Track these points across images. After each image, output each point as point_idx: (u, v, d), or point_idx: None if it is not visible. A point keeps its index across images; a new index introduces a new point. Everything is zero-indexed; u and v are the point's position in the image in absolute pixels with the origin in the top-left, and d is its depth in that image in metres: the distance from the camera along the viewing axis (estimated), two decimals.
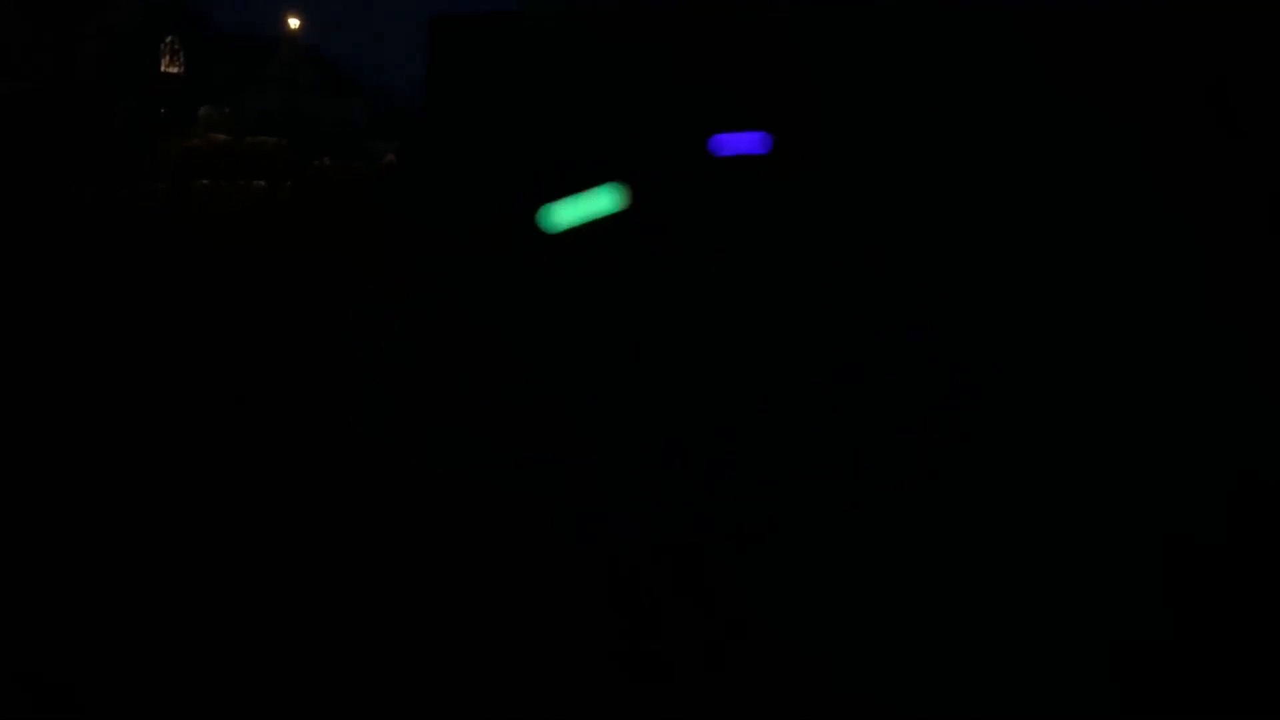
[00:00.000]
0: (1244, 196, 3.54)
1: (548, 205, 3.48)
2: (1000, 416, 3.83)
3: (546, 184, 4.31)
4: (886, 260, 3.87)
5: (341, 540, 3.67)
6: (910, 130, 3.88)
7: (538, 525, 3.76)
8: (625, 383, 4.16)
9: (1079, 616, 3.22)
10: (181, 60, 23.35)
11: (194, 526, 3.80)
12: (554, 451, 4.09)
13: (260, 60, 24.00)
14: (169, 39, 23.42)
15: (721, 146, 3.17)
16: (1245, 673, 2.98)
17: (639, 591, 3.41)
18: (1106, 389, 3.73)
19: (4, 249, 9.26)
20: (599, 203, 3.36)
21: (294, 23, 25.94)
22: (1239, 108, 3.55)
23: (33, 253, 8.97)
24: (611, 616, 3.26)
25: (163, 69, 22.93)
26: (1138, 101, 3.66)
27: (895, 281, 3.90)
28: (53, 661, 2.98)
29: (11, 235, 9.82)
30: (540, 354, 4.27)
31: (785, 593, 3.40)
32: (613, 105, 4.23)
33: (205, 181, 13.79)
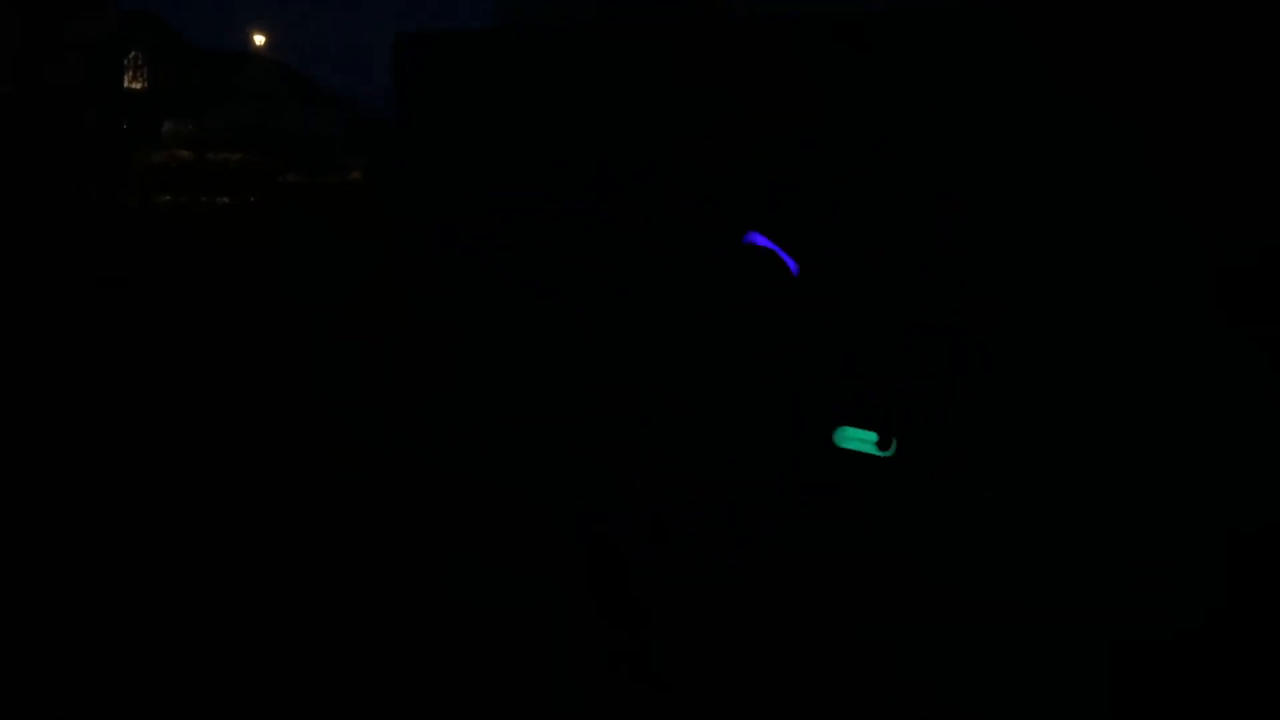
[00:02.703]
0: (1244, 196, 3.59)
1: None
2: (999, 416, 3.84)
3: (516, 197, 4.29)
4: (885, 261, 3.87)
5: (319, 544, 3.61)
6: (908, 131, 3.89)
7: (533, 525, 3.71)
8: (614, 384, 4.12)
9: (1080, 616, 3.22)
10: (146, 75, 23.10)
11: (167, 529, 3.72)
12: (541, 453, 4.04)
13: (231, 73, 23.85)
14: (133, 54, 23.15)
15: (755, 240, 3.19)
16: (1245, 673, 2.99)
17: (637, 592, 3.37)
18: (1106, 389, 3.75)
19: None
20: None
21: (262, 38, 25.85)
22: (1239, 108, 3.59)
23: None
24: (609, 617, 3.22)
25: (126, 84, 22.65)
26: (1138, 101, 3.70)
27: (895, 282, 3.89)
28: (41, 662, 2.91)
29: None
30: (520, 362, 4.23)
31: (785, 592, 3.38)
32: (582, 120, 4.21)
33: (168, 197, 13.64)
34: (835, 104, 3.97)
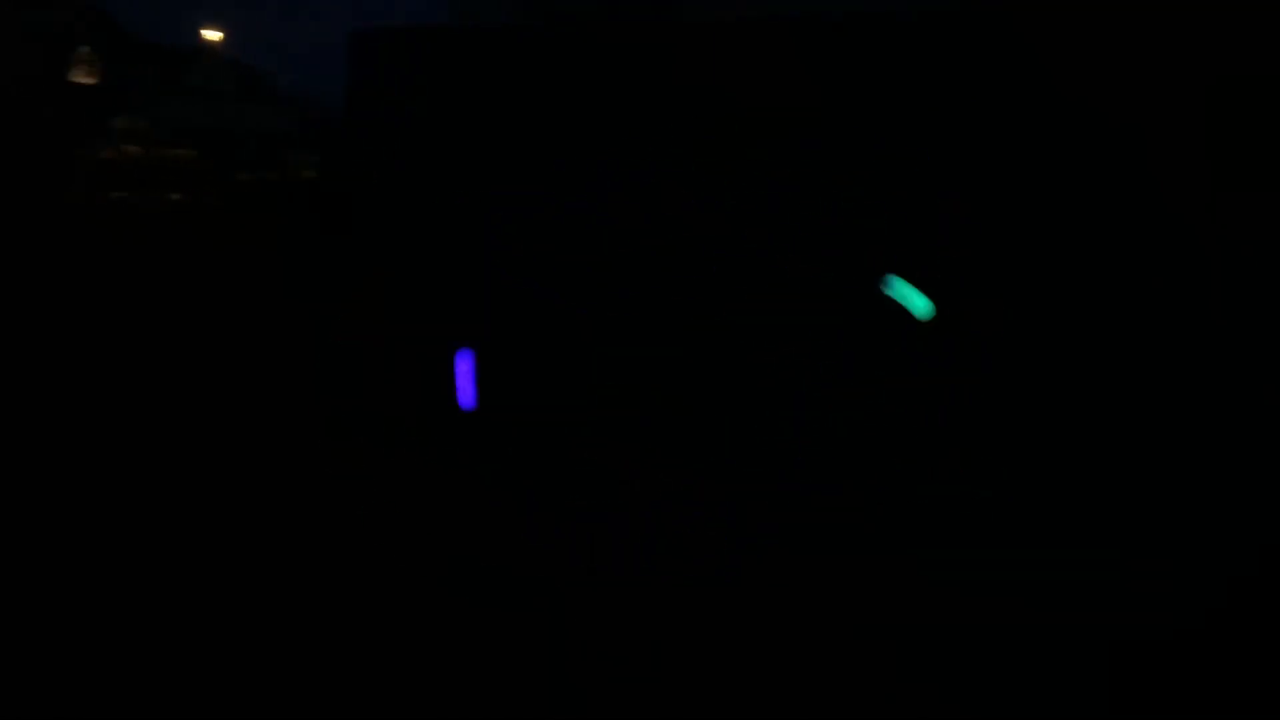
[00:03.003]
0: (1244, 196, 3.59)
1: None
2: (999, 416, 3.83)
3: (466, 197, 4.28)
4: (885, 261, 3.86)
5: (319, 544, 3.60)
6: (908, 131, 3.89)
7: (533, 525, 3.71)
8: (614, 384, 4.12)
9: (1081, 616, 3.23)
10: (94, 70, 22.89)
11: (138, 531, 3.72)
12: (541, 452, 4.04)
13: (182, 69, 23.72)
14: (82, 49, 22.93)
15: None
16: (1245, 673, 2.99)
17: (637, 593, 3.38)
18: (1106, 389, 3.75)
19: None
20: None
21: (214, 34, 25.66)
22: (1239, 108, 3.59)
23: None
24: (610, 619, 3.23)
25: (76, 79, 22.46)
26: (1138, 101, 3.70)
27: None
28: (41, 662, 2.91)
29: None
30: (520, 362, 4.22)
31: (785, 592, 3.38)
32: (535, 120, 4.20)
33: (119, 194, 13.48)
34: (835, 104, 3.97)
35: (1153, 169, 3.68)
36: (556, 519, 3.76)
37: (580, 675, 2.96)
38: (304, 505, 3.81)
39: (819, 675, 2.97)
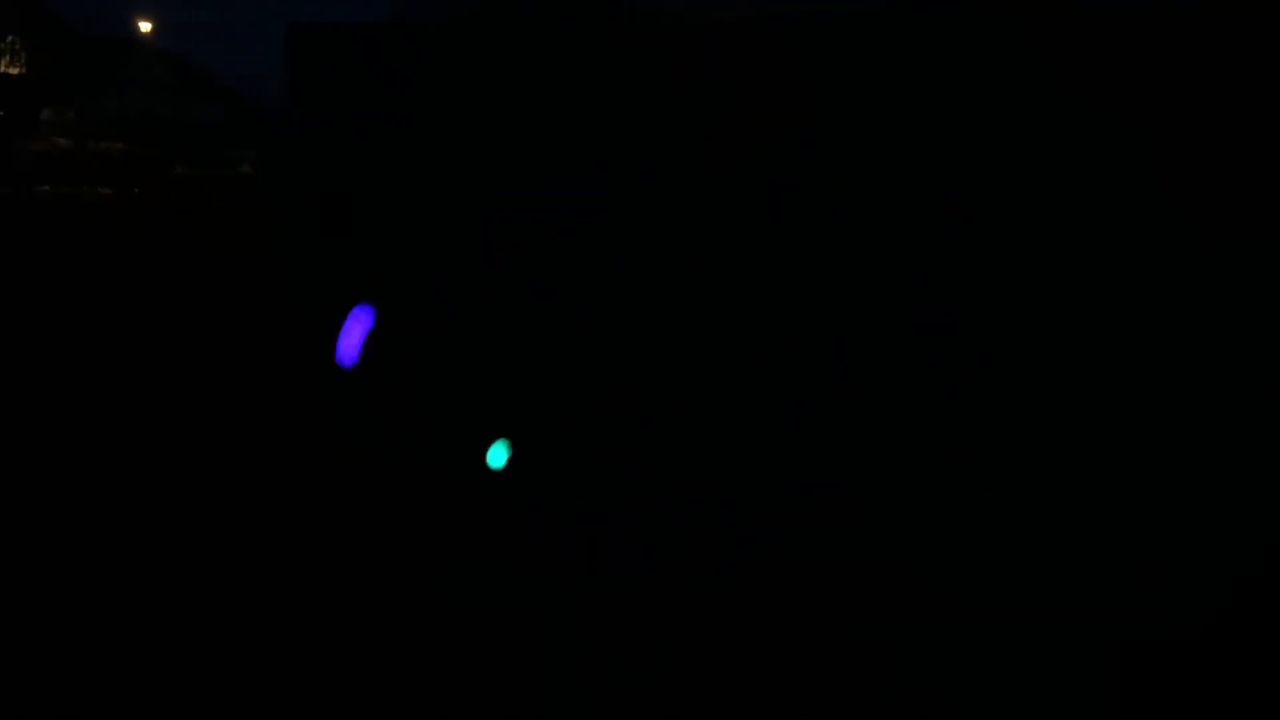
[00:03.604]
0: (1244, 196, 3.59)
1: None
2: (999, 416, 3.83)
3: (408, 194, 4.27)
4: (885, 261, 3.86)
5: (319, 544, 3.60)
6: (908, 131, 3.89)
7: (533, 525, 3.71)
8: (614, 384, 4.12)
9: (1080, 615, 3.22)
10: (23, 60, 22.50)
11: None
12: (541, 452, 4.04)
13: (114, 60, 23.26)
14: (9, 38, 22.55)
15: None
16: (1245, 673, 2.98)
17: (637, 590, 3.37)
18: (1106, 389, 3.75)
19: None
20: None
21: (148, 25, 25.24)
22: (1239, 108, 3.59)
23: None
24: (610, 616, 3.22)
25: (3, 69, 22.06)
26: (1138, 101, 3.70)
27: (895, 282, 3.89)
28: (41, 662, 2.90)
29: None
30: (520, 362, 4.22)
31: (785, 591, 3.37)
32: (477, 118, 4.19)
33: (46, 188, 13.22)
34: (835, 104, 3.97)
35: (1152, 169, 3.68)
36: (556, 519, 3.75)
37: (580, 675, 2.95)
38: (304, 505, 3.80)
39: (819, 675, 2.96)
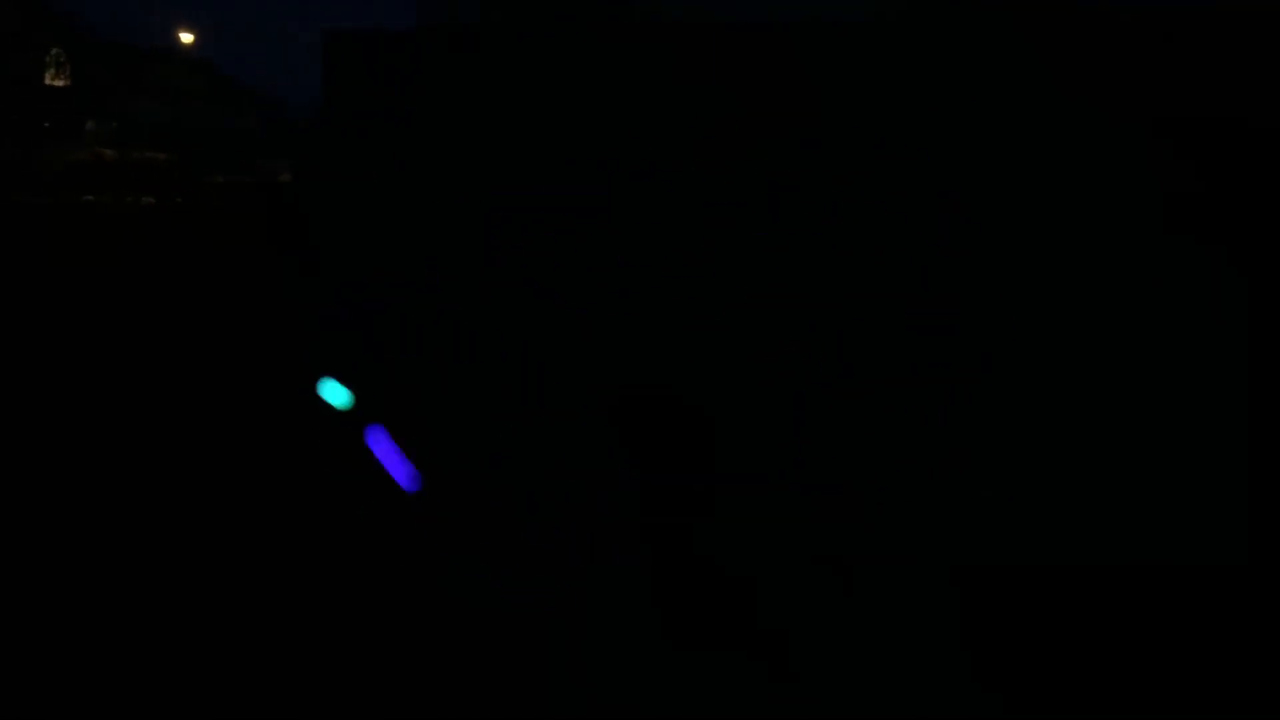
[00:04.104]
0: (1243, 196, 3.59)
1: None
2: (999, 416, 3.84)
3: (441, 199, 4.28)
4: (885, 261, 3.87)
5: (319, 544, 3.60)
6: (908, 131, 3.89)
7: (532, 525, 3.71)
8: (614, 384, 4.12)
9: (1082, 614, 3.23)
10: (68, 73, 22.60)
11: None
12: (541, 453, 4.04)
13: (154, 71, 23.34)
14: (54, 51, 22.66)
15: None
16: (1244, 672, 2.99)
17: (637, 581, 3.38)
18: (1106, 389, 3.76)
19: None
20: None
21: (187, 36, 25.37)
22: (1238, 109, 3.60)
23: None
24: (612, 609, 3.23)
25: (47, 81, 22.15)
26: (1137, 101, 3.70)
27: (895, 282, 3.90)
28: (40, 662, 2.91)
29: None
30: (520, 362, 4.22)
31: (785, 591, 3.38)
32: (510, 124, 4.20)
33: (91, 196, 13.36)
34: (835, 104, 3.97)
35: (1152, 169, 3.68)
36: (555, 519, 3.75)
37: (580, 675, 2.96)
38: (303, 505, 3.81)
39: (819, 675, 2.97)
